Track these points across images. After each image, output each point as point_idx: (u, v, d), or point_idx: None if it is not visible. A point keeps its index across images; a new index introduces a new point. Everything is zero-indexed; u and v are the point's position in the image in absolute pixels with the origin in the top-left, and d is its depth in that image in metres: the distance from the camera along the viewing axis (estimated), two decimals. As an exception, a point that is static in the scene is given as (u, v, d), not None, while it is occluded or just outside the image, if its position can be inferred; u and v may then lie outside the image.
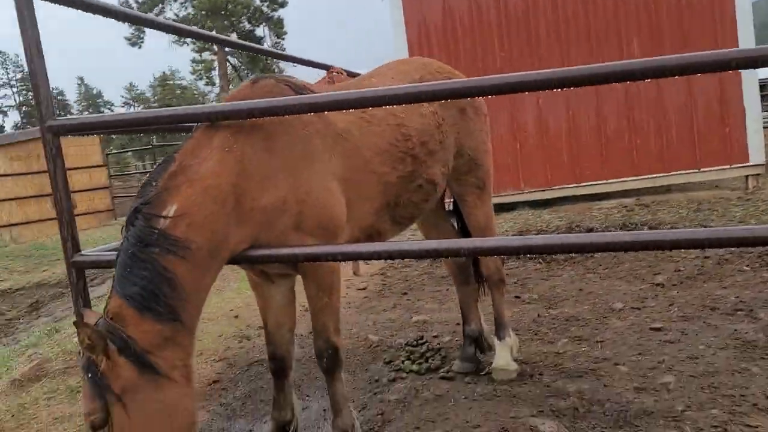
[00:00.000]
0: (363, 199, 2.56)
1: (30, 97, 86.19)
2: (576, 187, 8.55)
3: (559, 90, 1.78)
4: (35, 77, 2.15)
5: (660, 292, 4.37)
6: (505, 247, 2.34)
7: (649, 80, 1.66)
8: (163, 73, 74.75)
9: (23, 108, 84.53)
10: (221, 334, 4.46)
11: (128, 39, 39.71)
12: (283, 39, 45.03)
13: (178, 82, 73.04)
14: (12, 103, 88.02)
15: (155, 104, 70.61)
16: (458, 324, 3.70)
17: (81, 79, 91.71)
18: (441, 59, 8.80)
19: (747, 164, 8.00)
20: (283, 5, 44.37)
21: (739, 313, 3.71)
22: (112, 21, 2.49)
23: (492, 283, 3.40)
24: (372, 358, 3.72)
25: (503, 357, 3.27)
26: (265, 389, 3.40)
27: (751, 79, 7.88)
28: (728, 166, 8.05)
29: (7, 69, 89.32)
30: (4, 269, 9.74)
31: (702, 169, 8.14)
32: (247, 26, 43.95)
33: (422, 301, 4.93)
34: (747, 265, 4.68)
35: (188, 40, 40.11)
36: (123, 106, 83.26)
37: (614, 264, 5.27)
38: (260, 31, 44.72)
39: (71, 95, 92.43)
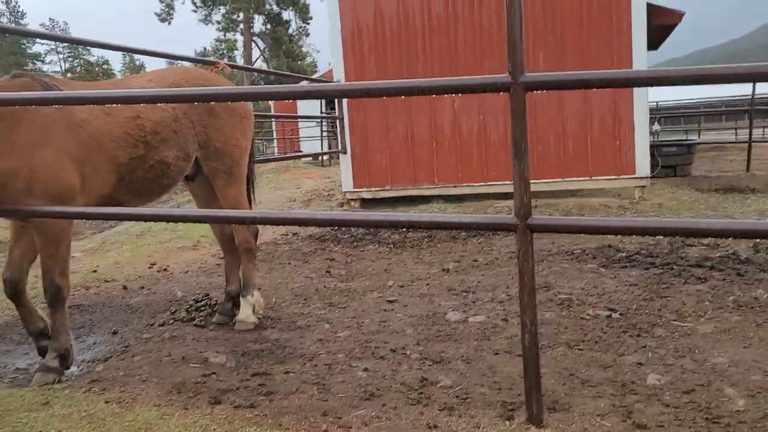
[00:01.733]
0: (98, 175, 3.40)
1: (76, 64, 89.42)
2: (482, 185, 9.24)
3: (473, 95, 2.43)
4: None
5: (437, 276, 5.12)
6: (249, 218, 3.33)
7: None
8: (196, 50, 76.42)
9: (68, 75, 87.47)
10: None
11: (158, 15, 41.17)
12: (308, 23, 45.94)
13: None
14: (58, 69, 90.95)
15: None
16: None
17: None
18: (371, 59, 9.53)
19: (634, 176, 8.62)
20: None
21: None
22: None
23: (242, 251, 4.21)
24: (170, 308, 4.57)
25: (245, 311, 4.09)
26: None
27: (641, 100, 8.51)
28: (616, 177, 8.68)
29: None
30: None
31: (593, 178, 8.78)
32: (275, 8, 45.03)
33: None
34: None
35: (215, 18, 41.38)
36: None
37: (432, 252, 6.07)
38: (287, 14, 45.77)
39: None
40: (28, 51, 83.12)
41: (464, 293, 4.53)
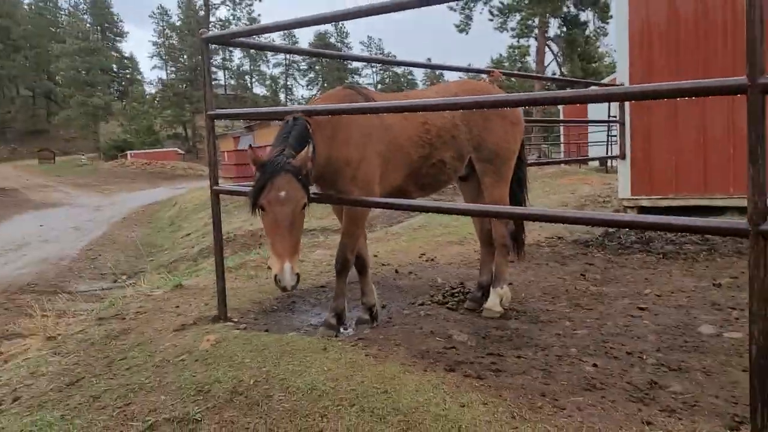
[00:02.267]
0: (395, 170, 4.11)
1: (386, 76, 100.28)
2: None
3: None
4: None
5: (704, 290, 4.76)
6: (507, 213, 3.80)
7: None
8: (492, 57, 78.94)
9: (379, 86, 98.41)
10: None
11: (457, 26, 43.71)
12: (608, 23, 43.94)
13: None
14: (371, 81, 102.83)
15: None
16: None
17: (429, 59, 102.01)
18: (662, 59, 9.08)
19: None
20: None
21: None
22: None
23: (498, 246, 4.56)
24: (429, 291, 5.16)
25: (492, 300, 4.44)
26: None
27: None
28: None
29: (371, 49, 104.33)
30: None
31: None
32: (572, 11, 44.19)
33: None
34: None
35: (509, 25, 42.31)
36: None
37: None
38: (585, 15, 44.55)
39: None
40: (349, 66, 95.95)
41: (729, 309, 4.20)
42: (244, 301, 4.93)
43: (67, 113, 59.05)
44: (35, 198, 30.27)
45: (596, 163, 21.18)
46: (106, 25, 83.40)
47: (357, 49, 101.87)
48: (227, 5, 61.55)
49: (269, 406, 2.88)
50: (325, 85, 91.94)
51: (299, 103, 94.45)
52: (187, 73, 67.46)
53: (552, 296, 4.85)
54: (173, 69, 76.79)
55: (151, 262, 15.46)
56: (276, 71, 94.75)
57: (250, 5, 63.17)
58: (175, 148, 58.49)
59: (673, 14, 8.85)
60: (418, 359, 3.38)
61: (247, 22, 64.11)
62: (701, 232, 2.61)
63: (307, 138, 3.54)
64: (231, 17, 62.91)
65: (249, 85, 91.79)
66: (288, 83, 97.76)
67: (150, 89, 76.65)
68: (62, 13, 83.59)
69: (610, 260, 6.18)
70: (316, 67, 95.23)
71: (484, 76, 7.41)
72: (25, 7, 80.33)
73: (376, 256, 6.67)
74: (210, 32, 4.27)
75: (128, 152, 52.94)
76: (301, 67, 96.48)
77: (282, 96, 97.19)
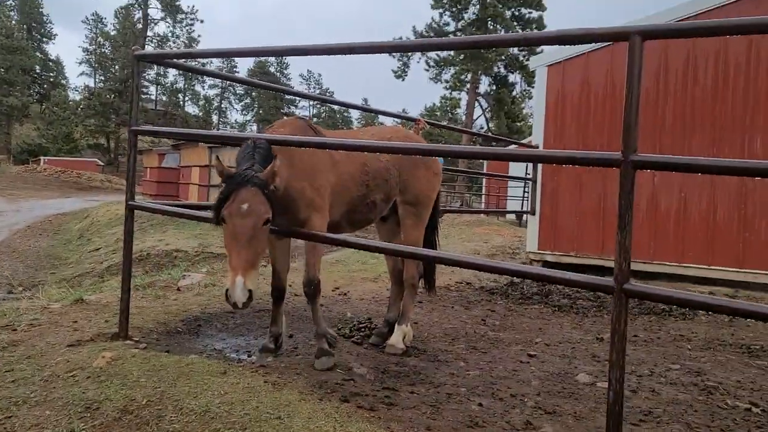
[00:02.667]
0: (337, 204, 4.24)
1: (322, 110, 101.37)
2: (676, 266, 8.78)
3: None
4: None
5: (588, 343, 5.14)
6: (421, 255, 3.96)
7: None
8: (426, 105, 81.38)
9: (314, 119, 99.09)
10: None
11: (394, 72, 45.02)
12: (532, 87, 46.49)
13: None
14: (308, 113, 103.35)
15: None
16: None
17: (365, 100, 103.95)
18: (572, 126, 9.65)
19: None
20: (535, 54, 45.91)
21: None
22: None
23: (407, 285, 4.78)
24: (338, 324, 5.27)
25: (395, 337, 4.62)
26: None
27: None
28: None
29: (309, 84, 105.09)
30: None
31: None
32: (502, 71, 46.50)
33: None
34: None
35: (444, 77, 43.99)
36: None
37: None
38: (513, 77, 46.97)
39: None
40: (286, 96, 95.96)
41: (606, 361, 4.54)
42: (148, 320, 4.87)
43: (-24, 111, 55.93)
44: (-70, 196, 28.20)
45: (513, 217, 22.15)
46: (33, 24, 79.90)
47: (296, 81, 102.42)
48: (167, 21, 60.69)
49: (159, 426, 2.89)
50: (260, 111, 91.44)
51: (232, 128, 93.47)
52: (117, 84, 65.50)
53: (452, 338, 5.08)
54: (102, 78, 74.30)
55: (53, 275, 14.73)
56: (211, 92, 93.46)
57: (191, 24, 62.54)
58: (95, 159, 56.25)
59: (585, 89, 9.60)
60: (316, 389, 3.48)
61: (186, 41, 63.37)
62: (575, 285, 2.89)
63: (271, 158, 3.56)
64: (170, 34, 61.98)
65: (181, 103, 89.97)
66: (222, 106, 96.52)
67: (74, 96, 73.67)
68: (-15, 7, 79.55)
69: (510, 308, 6.52)
70: (253, 94, 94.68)
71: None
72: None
73: (290, 286, 6.68)
74: (143, 50, 4.32)
75: (42, 158, 50.42)
76: (238, 92, 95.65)
77: (215, 118, 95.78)
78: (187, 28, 63.19)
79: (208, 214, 3.65)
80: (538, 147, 9.88)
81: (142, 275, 7.44)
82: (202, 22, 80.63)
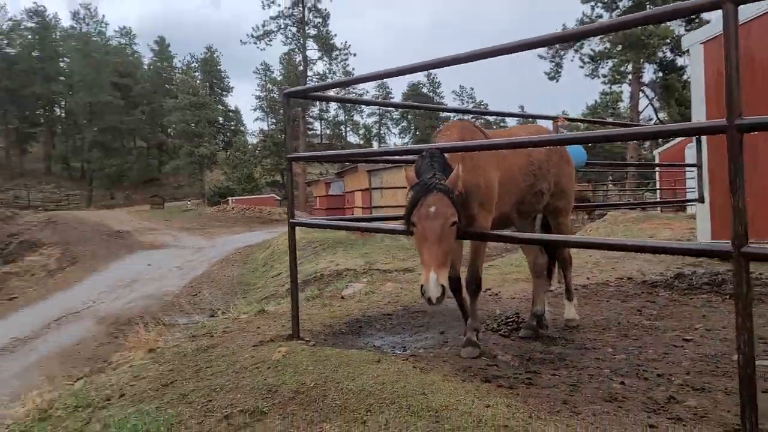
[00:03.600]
0: (507, 195, 4.54)
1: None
2: None
3: None
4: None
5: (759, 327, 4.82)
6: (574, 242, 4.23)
7: None
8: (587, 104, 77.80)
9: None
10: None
11: (547, 74, 43.89)
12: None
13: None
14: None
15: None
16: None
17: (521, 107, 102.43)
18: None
19: None
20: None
21: None
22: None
23: (566, 263, 5.02)
24: (487, 320, 5.50)
25: (570, 311, 4.93)
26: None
27: None
28: None
29: (462, 98, 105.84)
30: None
31: None
32: (668, 56, 43.23)
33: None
34: None
35: (601, 72, 42.03)
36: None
37: None
38: (682, 60, 43.40)
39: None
40: (440, 115, 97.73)
41: (778, 344, 4.29)
42: (316, 324, 5.50)
43: (177, 162, 63.97)
44: (145, 240, 32.81)
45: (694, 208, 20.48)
46: (214, 81, 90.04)
47: (449, 98, 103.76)
48: (323, 60, 65.08)
49: (324, 403, 3.37)
50: (417, 133, 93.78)
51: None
52: (285, 125, 71.48)
53: (603, 327, 5.07)
54: (273, 121, 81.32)
55: (244, 298, 16.48)
56: (370, 120, 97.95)
57: (345, 59, 66.49)
58: (273, 195, 61.45)
59: (747, 61, 8.89)
60: (460, 372, 3.77)
61: (342, 75, 67.48)
62: (686, 254, 2.91)
63: (448, 165, 3.78)
64: (327, 71, 66.35)
65: (343, 134, 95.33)
66: (381, 132, 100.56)
67: (252, 140, 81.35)
68: (176, 71, 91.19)
69: (673, 299, 6.26)
70: (408, 117, 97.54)
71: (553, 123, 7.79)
72: (145, 67, 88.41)
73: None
74: (290, 88, 4.99)
75: (230, 198, 56.21)
76: (394, 117, 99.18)
77: (375, 144, 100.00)
78: (342, 63, 67.22)
79: (400, 225, 3.97)
80: (698, 130, 9.31)
81: (312, 288, 8.23)
82: (354, 55, 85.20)
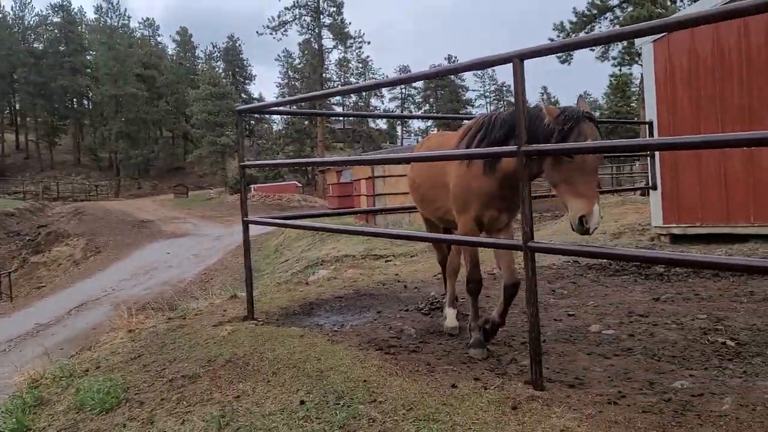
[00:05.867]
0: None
1: (500, 106, 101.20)
2: None
3: None
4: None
5: (638, 303, 5.60)
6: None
7: None
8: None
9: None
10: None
11: (559, 57, 43.82)
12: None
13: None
14: (485, 111, 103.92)
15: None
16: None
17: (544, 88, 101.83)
18: (685, 97, 9.70)
19: None
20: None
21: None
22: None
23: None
24: (420, 302, 6.33)
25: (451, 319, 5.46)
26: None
27: None
28: None
29: (484, 81, 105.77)
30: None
31: None
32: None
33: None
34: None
35: (610, 55, 41.98)
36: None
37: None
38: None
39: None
40: (462, 98, 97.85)
41: (644, 316, 5.07)
42: (274, 306, 6.42)
43: (199, 152, 65.56)
44: (167, 229, 34.27)
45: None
46: (237, 69, 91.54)
47: (470, 80, 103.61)
48: (339, 49, 65.71)
49: (246, 368, 4.30)
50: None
51: (415, 135, 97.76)
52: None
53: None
54: (295, 107, 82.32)
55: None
56: (392, 105, 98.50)
57: (360, 47, 67.09)
58: (295, 182, 62.68)
59: (693, 59, 9.50)
60: (363, 344, 4.65)
61: (359, 64, 68.20)
62: (484, 246, 3.74)
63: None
64: (342, 59, 67.06)
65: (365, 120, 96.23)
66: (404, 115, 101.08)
67: (276, 127, 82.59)
68: (199, 61, 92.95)
69: (595, 280, 7.03)
70: (431, 100, 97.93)
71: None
72: (168, 58, 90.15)
73: (397, 274, 7.95)
74: (242, 106, 5.87)
75: (252, 186, 57.58)
76: (416, 100, 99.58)
77: (399, 129, 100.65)
78: (357, 50, 67.81)
79: (357, 224, 4.85)
80: (652, 123, 9.94)
81: (285, 275, 9.15)
82: (369, 43, 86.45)
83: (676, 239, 9.80)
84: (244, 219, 5.90)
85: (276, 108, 6.24)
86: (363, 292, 7.05)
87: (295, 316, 6.09)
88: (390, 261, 8.55)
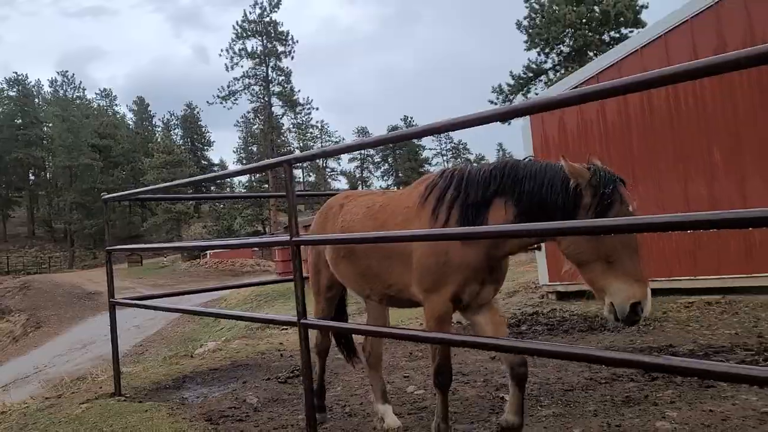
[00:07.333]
0: None
1: (458, 163, 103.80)
2: (663, 280, 9.14)
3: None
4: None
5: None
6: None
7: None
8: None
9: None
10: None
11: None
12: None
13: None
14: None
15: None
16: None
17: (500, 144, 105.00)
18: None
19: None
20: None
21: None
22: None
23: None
24: (283, 373, 6.74)
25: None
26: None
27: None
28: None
29: (440, 140, 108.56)
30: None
31: None
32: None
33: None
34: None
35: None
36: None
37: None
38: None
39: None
40: (420, 156, 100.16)
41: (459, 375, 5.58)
42: (146, 381, 6.75)
43: (155, 220, 65.40)
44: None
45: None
46: (195, 136, 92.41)
47: (427, 139, 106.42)
48: (288, 116, 67.17)
49: (81, 444, 4.64)
50: (400, 174, 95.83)
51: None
52: (265, 175, 73.18)
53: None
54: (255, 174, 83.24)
55: (176, 354, 17.61)
56: (351, 166, 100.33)
57: (309, 113, 68.71)
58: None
59: (562, 129, 10.42)
60: (199, 415, 5.04)
61: (312, 129, 70.01)
62: (270, 323, 4.24)
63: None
64: (296, 125, 68.65)
65: (328, 180, 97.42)
66: (364, 176, 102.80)
67: (237, 189, 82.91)
68: (157, 129, 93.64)
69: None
70: (389, 159, 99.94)
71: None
72: (125, 127, 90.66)
73: (281, 344, 8.36)
74: (109, 195, 6.35)
75: (208, 252, 57.27)
76: (376, 160, 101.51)
77: (360, 187, 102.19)
78: (305, 117, 69.44)
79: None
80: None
81: (178, 349, 9.46)
82: (317, 109, 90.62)
83: (561, 296, 10.44)
84: (111, 300, 6.30)
85: (146, 195, 6.74)
86: (239, 363, 7.42)
87: (165, 390, 6.42)
88: (285, 329, 8.92)
